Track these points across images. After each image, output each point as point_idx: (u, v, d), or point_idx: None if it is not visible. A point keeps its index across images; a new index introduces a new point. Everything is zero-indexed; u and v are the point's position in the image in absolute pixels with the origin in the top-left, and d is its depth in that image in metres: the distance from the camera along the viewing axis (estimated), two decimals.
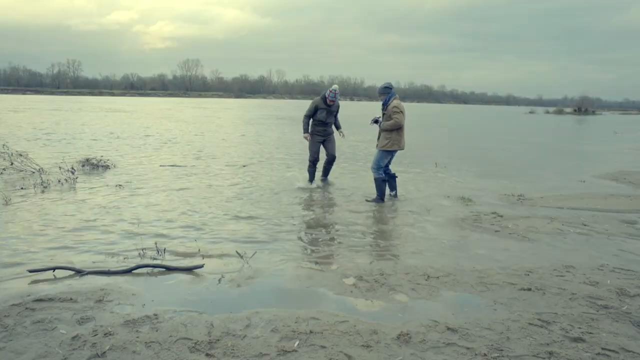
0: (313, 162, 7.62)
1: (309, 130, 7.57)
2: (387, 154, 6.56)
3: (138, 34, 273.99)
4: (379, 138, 6.70)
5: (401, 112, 6.33)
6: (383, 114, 6.56)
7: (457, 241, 4.85)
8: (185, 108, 42.37)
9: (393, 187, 6.95)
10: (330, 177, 8.58)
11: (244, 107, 52.66)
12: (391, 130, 6.39)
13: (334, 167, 8.25)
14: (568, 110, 70.00)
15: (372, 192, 6.97)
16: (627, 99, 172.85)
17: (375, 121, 6.80)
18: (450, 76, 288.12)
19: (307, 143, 7.74)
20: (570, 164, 11.74)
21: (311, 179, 7.72)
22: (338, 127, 7.74)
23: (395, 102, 6.42)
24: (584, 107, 67.64)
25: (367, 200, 6.68)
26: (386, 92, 6.48)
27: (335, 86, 7.41)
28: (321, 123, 7.47)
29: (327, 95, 7.37)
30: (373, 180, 6.75)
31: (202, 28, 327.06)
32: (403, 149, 6.58)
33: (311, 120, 7.51)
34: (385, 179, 6.70)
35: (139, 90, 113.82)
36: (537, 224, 5.57)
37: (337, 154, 8.02)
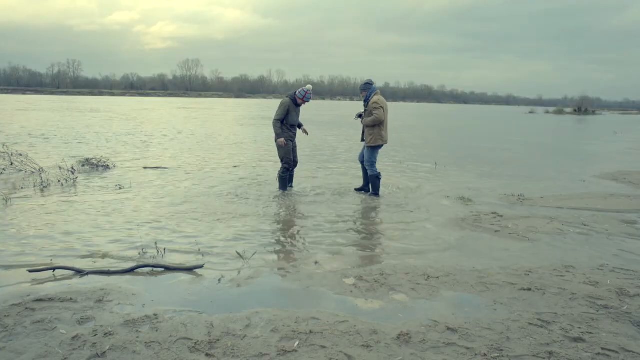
0: (289, 167, 7.08)
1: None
2: (375, 150, 6.76)
3: (139, 34, 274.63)
4: (363, 133, 6.90)
5: (381, 107, 6.51)
6: (365, 110, 6.71)
7: (457, 241, 4.85)
8: (172, 109, 42.30)
9: (367, 185, 7.08)
10: (326, 177, 8.59)
11: (234, 107, 52.55)
12: (373, 125, 6.58)
13: (320, 167, 8.20)
14: (568, 110, 69.93)
15: (359, 194, 7.05)
16: (627, 99, 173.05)
17: (359, 116, 6.94)
18: (450, 76, 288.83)
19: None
20: (570, 163, 11.74)
21: (285, 186, 7.14)
22: (300, 126, 7.19)
23: (375, 97, 6.59)
24: (584, 107, 67.57)
25: (367, 196, 6.93)
26: (367, 89, 6.66)
27: (309, 86, 6.95)
28: (292, 127, 6.98)
29: (300, 96, 6.82)
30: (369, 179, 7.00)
31: (203, 28, 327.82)
32: (387, 143, 6.80)
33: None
34: (380, 177, 6.94)
35: (139, 90, 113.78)
36: (537, 224, 5.57)
37: (330, 151, 7.94)
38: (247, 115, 33.24)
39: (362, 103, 6.88)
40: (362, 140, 6.99)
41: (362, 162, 7.03)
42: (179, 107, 44.08)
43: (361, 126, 6.98)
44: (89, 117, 25.38)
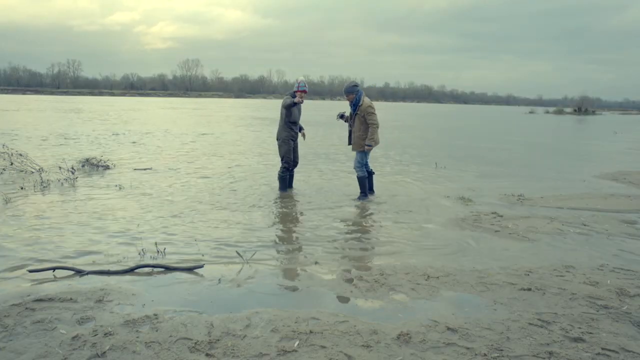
0: (288, 167, 7.04)
1: (283, 135, 6.89)
2: (367, 153, 6.64)
3: (140, 34, 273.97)
4: (350, 136, 6.70)
5: (375, 112, 6.45)
6: (355, 114, 6.49)
7: (457, 241, 4.85)
8: (167, 109, 42.22)
9: (370, 186, 6.97)
10: (326, 177, 8.58)
11: (229, 107, 52.45)
12: (364, 129, 6.44)
13: (320, 167, 8.14)
14: (568, 110, 69.94)
15: (358, 195, 7.00)
16: (627, 99, 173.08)
17: (342, 116, 6.81)
18: (450, 76, 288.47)
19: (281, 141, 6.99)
20: (571, 164, 11.74)
21: (285, 187, 7.09)
22: (300, 129, 7.16)
23: (367, 100, 6.48)
24: (584, 107, 67.56)
25: (353, 200, 6.69)
26: (355, 91, 6.47)
27: (301, 77, 6.80)
28: (294, 124, 6.92)
29: (295, 89, 6.73)
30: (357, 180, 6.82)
31: (204, 28, 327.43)
32: (378, 144, 6.69)
33: (284, 122, 6.86)
34: (367, 177, 6.80)
35: (139, 90, 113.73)
36: (537, 224, 5.57)
37: (329, 152, 7.85)
38: (240, 116, 33.20)
39: (344, 104, 6.75)
40: (349, 144, 6.75)
41: (362, 175, 6.75)
42: (173, 108, 43.84)
43: (346, 128, 6.77)
44: (85, 118, 25.39)
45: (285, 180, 7.11)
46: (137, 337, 2.74)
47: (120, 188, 7.01)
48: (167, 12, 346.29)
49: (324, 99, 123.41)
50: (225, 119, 27.53)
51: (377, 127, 6.44)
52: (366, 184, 6.77)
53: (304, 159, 10.17)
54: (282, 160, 7.01)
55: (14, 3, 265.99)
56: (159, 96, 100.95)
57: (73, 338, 2.71)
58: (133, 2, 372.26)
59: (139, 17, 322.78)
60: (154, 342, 2.69)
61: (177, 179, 7.92)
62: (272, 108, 48.23)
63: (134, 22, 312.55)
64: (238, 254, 4.21)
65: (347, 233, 5.07)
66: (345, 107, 7.18)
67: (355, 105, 6.47)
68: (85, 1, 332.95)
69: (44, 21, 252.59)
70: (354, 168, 6.79)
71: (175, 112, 34.36)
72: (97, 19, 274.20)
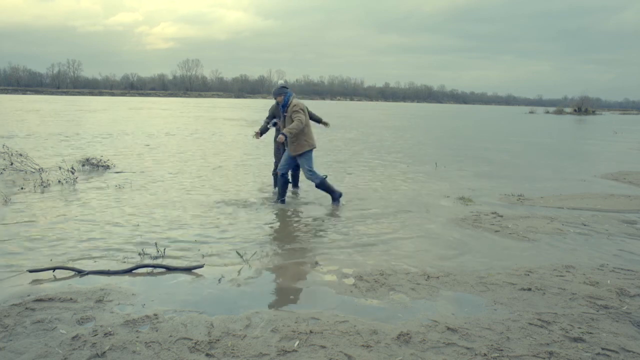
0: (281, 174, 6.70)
1: (278, 136, 6.54)
2: (306, 156, 6.17)
3: (141, 34, 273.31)
4: (285, 143, 6.21)
5: (302, 110, 6.02)
6: (284, 117, 6.18)
7: (457, 241, 4.85)
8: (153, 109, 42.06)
9: (295, 182, 7.10)
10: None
11: (216, 107, 52.32)
12: (297, 132, 5.99)
13: (319, 168, 8.02)
14: (568, 110, 69.94)
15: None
16: (627, 99, 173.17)
17: (274, 124, 6.59)
18: (450, 76, 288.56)
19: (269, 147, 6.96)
20: (570, 164, 11.74)
21: (281, 196, 6.36)
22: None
23: (295, 101, 6.13)
24: (584, 107, 67.55)
25: (333, 207, 6.26)
26: (283, 92, 6.15)
27: (280, 81, 6.51)
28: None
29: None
30: (334, 186, 6.50)
31: (205, 29, 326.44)
32: (315, 147, 6.26)
33: (274, 128, 6.81)
34: (325, 178, 6.35)
35: (139, 90, 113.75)
36: (537, 224, 5.57)
37: (329, 152, 7.85)
38: (212, 117, 33.15)
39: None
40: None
41: (282, 173, 6.28)
42: (139, 108, 43.46)
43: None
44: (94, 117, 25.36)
45: (282, 182, 7.00)
46: (137, 337, 2.74)
47: (120, 188, 7.02)
48: (169, 13, 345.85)
49: (324, 99, 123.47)
50: (196, 119, 27.51)
51: (301, 124, 5.93)
52: (330, 185, 6.35)
53: None
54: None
55: (18, 4, 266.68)
56: (158, 96, 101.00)
57: (73, 338, 2.71)
58: (136, 3, 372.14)
59: (142, 18, 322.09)
60: (154, 342, 2.69)
61: (177, 180, 7.92)
62: (259, 109, 47.23)
63: (136, 23, 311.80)
64: (238, 254, 4.21)
65: (346, 233, 5.07)
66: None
67: (283, 106, 6.18)
68: (88, 2, 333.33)
69: (47, 22, 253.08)
70: (307, 178, 6.28)
71: (168, 113, 34.33)
72: (100, 20, 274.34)
